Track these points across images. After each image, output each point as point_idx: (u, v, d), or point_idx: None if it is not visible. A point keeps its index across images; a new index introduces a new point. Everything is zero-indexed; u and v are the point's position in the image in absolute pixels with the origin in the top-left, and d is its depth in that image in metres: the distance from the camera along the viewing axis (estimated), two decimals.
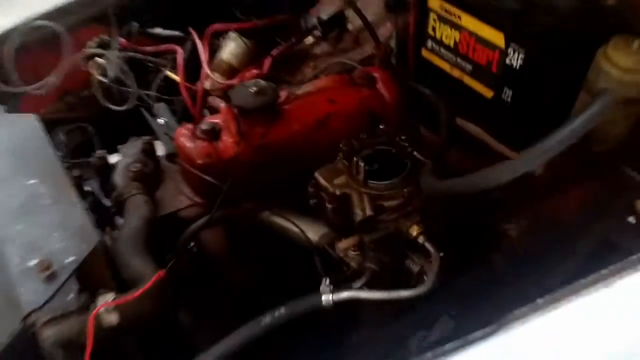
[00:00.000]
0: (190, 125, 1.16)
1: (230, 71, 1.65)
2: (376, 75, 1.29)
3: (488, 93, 1.44)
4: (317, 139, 1.19)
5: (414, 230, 0.93)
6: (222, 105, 1.13)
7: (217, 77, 1.63)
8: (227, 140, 1.12)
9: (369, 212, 0.92)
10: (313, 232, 1.12)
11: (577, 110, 1.29)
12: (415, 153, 0.97)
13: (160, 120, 1.46)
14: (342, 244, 0.95)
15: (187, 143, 1.12)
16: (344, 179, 0.97)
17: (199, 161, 1.10)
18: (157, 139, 1.38)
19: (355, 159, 0.95)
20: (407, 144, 0.97)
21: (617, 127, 1.21)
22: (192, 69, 1.65)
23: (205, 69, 1.61)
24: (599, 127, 1.24)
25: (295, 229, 1.12)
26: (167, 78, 1.65)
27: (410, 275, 0.96)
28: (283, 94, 1.22)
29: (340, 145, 1.00)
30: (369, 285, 0.97)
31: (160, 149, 1.32)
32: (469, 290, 1.19)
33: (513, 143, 1.43)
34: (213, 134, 1.13)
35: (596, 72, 1.18)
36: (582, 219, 1.15)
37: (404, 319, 1.10)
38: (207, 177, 1.07)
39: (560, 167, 1.31)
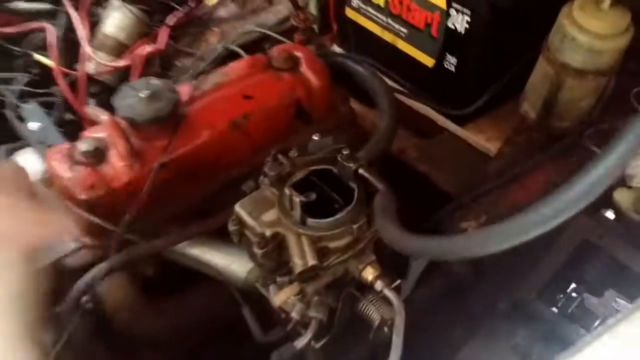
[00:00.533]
0: (65, 145, 0.89)
1: (118, 49, 1.35)
2: (299, 54, 1.04)
3: (428, 61, 1.24)
4: (233, 144, 0.95)
5: (369, 274, 0.74)
6: (103, 117, 0.87)
7: (102, 58, 1.33)
8: (116, 164, 0.86)
9: (311, 261, 0.70)
10: (241, 264, 0.90)
11: (532, 80, 1.12)
12: (361, 171, 0.75)
13: (33, 125, 1.16)
14: (278, 298, 0.74)
15: (63, 171, 0.86)
16: (275, 215, 0.75)
17: (81, 196, 0.84)
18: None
19: (286, 190, 0.73)
20: (351, 161, 0.75)
21: (583, 101, 1.04)
22: (70, 50, 1.34)
23: (86, 47, 1.31)
24: (562, 101, 1.07)
25: (219, 262, 0.90)
26: (38, 64, 1.33)
27: (366, 321, 0.78)
28: (185, 91, 0.96)
29: (264, 168, 0.77)
30: (317, 338, 0.78)
31: (32, 166, 1.04)
32: (424, 304, 1.02)
33: (458, 118, 1.25)
34: (96, 155, 0.86)
35: (559, 37, 0.99)
36: None
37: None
38: (92, 218, 0.82)
39: (518, 147, 1.15)
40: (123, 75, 1.37)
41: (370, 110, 1.33)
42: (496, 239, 0.53)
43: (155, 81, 0.91)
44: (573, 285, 0.92)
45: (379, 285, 0.73)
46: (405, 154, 1.22)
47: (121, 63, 1.30)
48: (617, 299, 0.91)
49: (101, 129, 0.89)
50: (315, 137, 0.80)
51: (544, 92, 1.04)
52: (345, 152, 0.77)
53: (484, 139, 1.22)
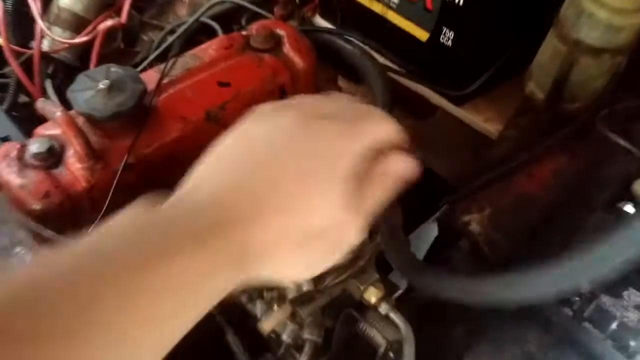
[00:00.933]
0: (13, 145, 0.76)
1: (77, 23, 1.20)
2: (281, 32, 0.92)
3: (422, 35, 1.12)
4: (209, 139, 0.83)
5: (372, 296, 0.64)
6: (58, 113, 0.74)
7: (58, 34, 1.19)
8: (74, 166, 0.75)
9: (305, 286, 0.61)
10: None
11: (541, 58, 1.01)
12: None
13: None
14: (267, 324, 0.64)
15: (11, 177, 0.73)
16: None
17: (35, 205, 0.72)
18: None
19: None
20: None
21: (598, 81, 0.94)
22: (21, 26, 1.20)
23: (39, 22, 1.17)
24: (574, 81, 0.97)
25: None
26: None
27: (368, 343, 0.69)
28: (151, 78, 0.84)
29: None
30: None
31: None
32: (421, 311, 0.93)
33: (455, 98, 1.14)
34: (51, 157, 0.74)
35: (574, 12, 0.88)
36: (563, 207, 0.90)
37: None
38: (48, 232, 0.71)
39: (523, 130, 1.05)
40: (83, 52, 1.23)
41: (357, 86, 1.22)
42: (540, 286, 0.44)
43: (116, 69, 0.78)
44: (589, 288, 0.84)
45: (383, 308, 0.64)
46: None
47: (78, 39, 1.16)
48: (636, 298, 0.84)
49: (55, 125, 0.77)
50: None
51: (554, 71, 0.94)
52: None
53: (482, 120, 1.12)
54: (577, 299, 0.84)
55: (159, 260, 0.35)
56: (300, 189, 0.41)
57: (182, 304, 0.36)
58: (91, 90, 0.75)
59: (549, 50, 0.95)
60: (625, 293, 0.85)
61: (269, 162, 0.42)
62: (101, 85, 0.75)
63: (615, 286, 0.85)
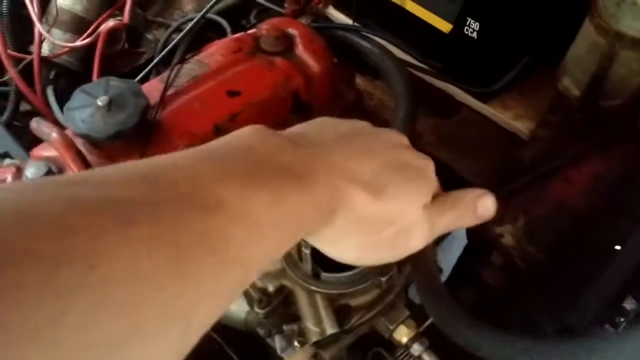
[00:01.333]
0: (8, 169, 0.71)
1: (77, 25, 1.14)
2: (293, 32, 0.85)
3: (444, 26, 1.04)
4: None
5: (403, 336, 0.58)
6: (53, 134, 0.68)
7: (59, 37, 1.13)
8: None
9: (329, 329, 0.55)
10: (238, 302, 0.74)
11: (576, 51, 0.93)
12: None
13: None
14: None
15: None
16: (279, 263, 0.59)
17: None
18: None
19: None
20: None
21: (639, 76, 0.86)
22: (19, 30, 1.14)
23: (38, 25, 1.11)
24: (614, 76, 0.89)
25: None
26: None
27: None
28: (154, 88, 0.78)
29: None
30: None
31: None
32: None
33: (482, 94, 1.07)
34: None
35: (615, 1, 0.81)
36: (603, 216, 0.83)
37: None
38: None
39: (557, 129, 0.97)
40: (85, 55, 1.17)
41: (375, 84, 1.15)
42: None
43: (116, 82, 0.72)
44: (636, 306, 0.78)
45: (416, 349, 0.58)
46: (421, 139, 1.04)
47: (79, 42, 1.10)
48: None
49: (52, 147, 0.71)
50: None
51: (592, 65, 0.86)
52: None
53: (511, 117, 1.04)
54: (623, 319, 0.77)
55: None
56: (397, 178, 0.41)
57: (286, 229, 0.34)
58: (89, 107, 0.69)
59: (586, 42, 0.87)
60: None
61: (372, 139, 0.43)
62: (100, 102, 0.69)
63: None
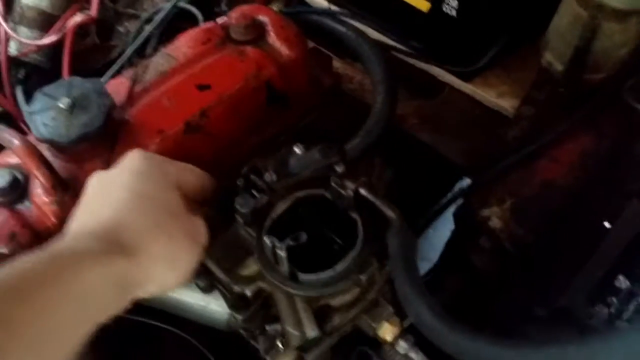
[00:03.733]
0: None
1: (44, 21, 1.10)
2: (264, 19, 0.82)
3: (423, 5, 1.01)
4: (191, 151, 0.74)
5: (387, 334, 0.56)
6: (16, 142, 0.65)
7: (25, 35, 1.09)
8: (41, 199, 0.66)
9: (310, 332, 0.52)
10: (219, 303, 0.72)
11: (558, 25, 0.90)
12: (363, 192, 0.56)
13: None
14: None
15: None
16: (255, 267, 0.56)
17: (0, 250, 0.64)
18: None
19: (266, 239, 0.54)
20: (348, 181, 0.55)
21: (623, 49, 0.83)
22: None
23: (3, 24, 1.07)
24: (597, 49, 0.86)
25: (194, 303, 0.71)
26: None
27: None
28: (121, 86, 0.74)
29: (235, 199, 0.57)
30: None
31: None
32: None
33: (464, 73, 1.04)
34: (14, 191, 0.66)
35: None
36: (593, 191, 0.81)
37: None
38: None
39: (542, 106, 0.94)
40: (54, 52, 1.13)
41: (355, 66, 1.12)
42: None
43: (78, 82, 0.69)
44: (628, 285, 0.76)
45: (402, 347, 0.55)
46: (404, 121, 1.02)
47: (46, 39, 1.06)
48: None
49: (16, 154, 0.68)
50: (296, 150, 0.60)
51: (575, 39, 0.83)
52: (339, 169, 0.57)
53: (494, 95, 1.02)
54: (615, 299, 0.75)
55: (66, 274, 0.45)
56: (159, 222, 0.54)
57: (82, 312, 0.46)
58: (51, 110, 0.66)
59: (568, 15, 0.84)
60: None
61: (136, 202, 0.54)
62: (61, 105, 0.66)
63: None
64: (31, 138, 0.68)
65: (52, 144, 0.66)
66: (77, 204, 0.57)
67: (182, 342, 0.73)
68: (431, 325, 0.44)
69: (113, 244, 0.49)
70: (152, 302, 0.74)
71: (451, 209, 0.92)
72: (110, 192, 0.55)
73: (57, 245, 0.49)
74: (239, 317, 0.56)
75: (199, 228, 0.57)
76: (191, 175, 0.61)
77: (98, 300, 0.47)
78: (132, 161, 0.58)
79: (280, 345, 0.61)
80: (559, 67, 0.89)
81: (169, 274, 0.54)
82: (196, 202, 0.60)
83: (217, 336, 0.75)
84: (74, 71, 1.08)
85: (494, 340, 0.42)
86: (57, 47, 1.10)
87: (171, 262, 0.53)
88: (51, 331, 0.43)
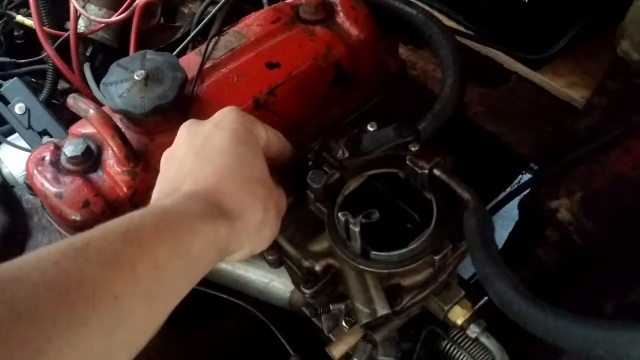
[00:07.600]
0: (47, 147, 0.70)
1: (112, 0, 1.12)
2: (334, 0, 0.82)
3: None
4: None
5: (458, 317, 0.55)
6: (91, 111, 0.66)
7: (94, 13, 1.11)
8: (113, 169, 0.67)
9: (380, 310, 0.52)
10: (282, 281, 0.72)
11: (636, 13, 0.87)
12: (438, 173, 0.55)
13: (18, 107, 0.97)
14: (336, 349, 0.56)
15: (47, 185, 0.67)
16: (326, 241, 0.56)
17: (74, 216, 0.66)
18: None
19: (339, 215, 0.53)
20: (423, 160, 0.54)
21: None
22: (55, 7, 1.13)
23: (73, 2, 1.09)
24: None
25: (257, 280, 0.72)
26: (21, 27, 1.12)
27: None
28: (192, 62, 0.75)
29: (308, 175, 0.57)
30: None
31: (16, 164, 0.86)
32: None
33: (533, 61, 1.01)
34: (88, 160, 0.67)
35: None
36: None
37: None
38: None
39: (615, 97, 0.91)
40: (121, 30, 1.15)
41: (418, 53, 1.10)
42: None
43: (152, 55, 0.70)
44: None
45: (472, 331, 0.54)
46: (468, 109, 1.00)
47: (114, 17, 1.08)
48: None
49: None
50: (370, 128, 0.59)
51: None
52: (414, 149, 0.56)
53: (564, 85, 0.98)
54: None
55: (181, 234, 0.46)
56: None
57: (189, 270, 0.47)
58: (126, 82, 0.67)
59: None
60: None
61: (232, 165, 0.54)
62: (137, 77, 0.66)
63: None
64: (105, 109, 0.69)
65: (126, 114, 0.67)
66: (170, 154, 0.57)
67: (242, 313, 0.74)
68: (517, 306, 0.42)
69: (217, 209, 0.50)
70: (214, 276, 0.74)
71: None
72: (210, 153, 0.54)
73: (166, 201, 0.49)
74: (307, 291, 0.55)
75: (282, 199, 0.57)
76: (278, 141, 0.60)
77: (202, 262, 0.48)
78: (228, 118, 0.57)
79: (344, 325, 0.60)
80: (635, 56, 0.85)
81: (255, 243, 0.54)
82: (274, 169, 0.59)
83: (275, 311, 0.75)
84: (139, 50, 1.10)
85: (598, 323, 0.40)
86: (123, 26, 1.12)
87: (260, 231, 0.54)
88: (164, 285, 0.43)
